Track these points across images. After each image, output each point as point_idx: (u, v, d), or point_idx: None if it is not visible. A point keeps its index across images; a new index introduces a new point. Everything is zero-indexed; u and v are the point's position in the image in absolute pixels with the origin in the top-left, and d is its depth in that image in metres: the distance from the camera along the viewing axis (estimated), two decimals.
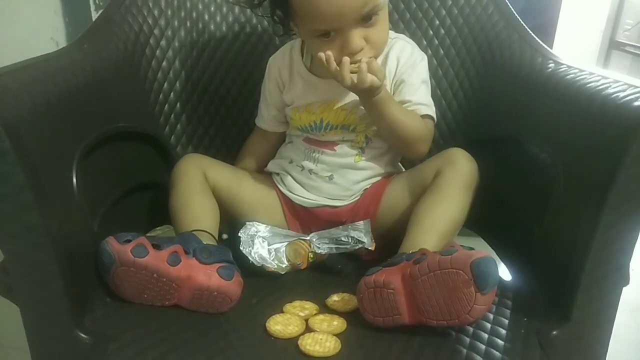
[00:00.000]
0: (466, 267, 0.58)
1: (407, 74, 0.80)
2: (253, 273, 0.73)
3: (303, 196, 0.83)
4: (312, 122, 0.82)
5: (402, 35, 0.85)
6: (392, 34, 0.83)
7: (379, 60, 0.79)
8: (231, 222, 0.84)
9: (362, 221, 0.78)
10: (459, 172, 0.74)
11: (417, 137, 0.79)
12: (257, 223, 0.80)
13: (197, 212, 0.78)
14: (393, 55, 0.80)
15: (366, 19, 0.71)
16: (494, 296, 0.61)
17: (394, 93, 0.80)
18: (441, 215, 0.72)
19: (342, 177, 0.82)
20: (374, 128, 0.81)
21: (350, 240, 0.76)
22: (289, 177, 0.85)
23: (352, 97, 0.79)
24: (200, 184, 0.81)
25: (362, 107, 0.79)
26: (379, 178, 0.83)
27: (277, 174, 0.86)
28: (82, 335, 0.60)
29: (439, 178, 0.74)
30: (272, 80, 0.86)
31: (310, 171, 0.83)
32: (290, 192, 0.84)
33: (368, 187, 0.83)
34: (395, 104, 0.77)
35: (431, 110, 0.81)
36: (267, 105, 0.88)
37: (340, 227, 0.80)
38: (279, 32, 0.81)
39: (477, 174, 0.75)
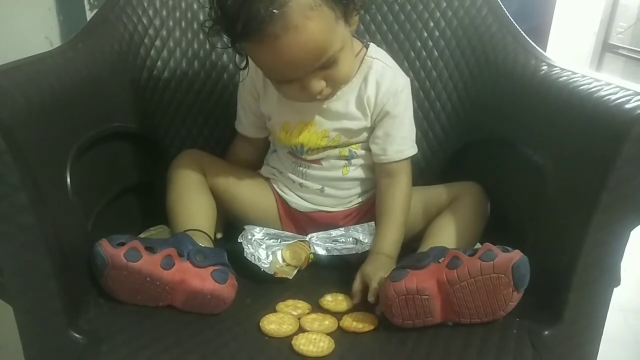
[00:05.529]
0: (508, 270, 0.60)
1: (390, 104, 0.76)
2: (248, 273, 0.73)
3: (298, 202, 0.83)
4: (293, 146, 0.80)
5: (381, 54, 0.79)
6: (372, 49, 0.78)
7: (357, 83, 0.76)
8: (226, 219, 0.84)
9: (366, 224, 0.78)
10: (476, 201, 0.79)
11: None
12: (255, 227, 0.78)
13: (194, 211, 0.78)
14: (372, 78, 0.76)
15: (323, 67, 0.67)
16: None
17: (376, 123, 0.78)
18: (459, 230, 0.76)
19: (333, 188, 0.82)
20: (357, 141, 0.79)
21: (351, 241, 0.76)
22: (282, 184, 0.84)
23: (334, 122, 0.77)
24: (198, 180, 0.80)
25: (343, 134, 0.78)
26: (373, 186, 0.82)
27: (272, 177, 0.86)
28: (76, 335, 0.60)
29: (457, 202, 0.78)
30: (247, 91, 0.82)
31: (301, 185, 0.82)
32: (286, 195, 0.84)
33: (368, 196, 0.83)
34: (397, 236, 0.76)
35: (413, 147, 0.80)
36: (244, 112, 0.84)
37: (342, 228, 0.80)
38: (242, 63, 0.75)
39: (488, 207, 0.80)
